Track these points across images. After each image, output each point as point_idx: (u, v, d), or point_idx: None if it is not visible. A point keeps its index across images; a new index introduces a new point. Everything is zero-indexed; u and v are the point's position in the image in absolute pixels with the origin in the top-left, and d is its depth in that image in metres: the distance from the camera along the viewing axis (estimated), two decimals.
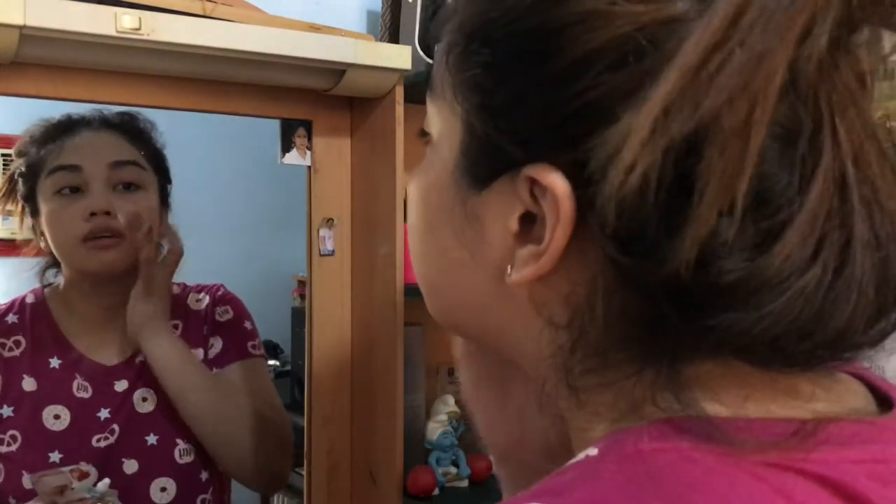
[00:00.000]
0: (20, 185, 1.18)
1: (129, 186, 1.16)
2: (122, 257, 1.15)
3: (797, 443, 0.33)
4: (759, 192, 0.33)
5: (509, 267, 0.39)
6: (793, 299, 0.33)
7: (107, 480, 1.07)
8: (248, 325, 1.28)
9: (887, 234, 0.34)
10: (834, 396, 0.38)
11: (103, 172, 1.14)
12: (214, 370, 1.22)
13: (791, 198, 0.33)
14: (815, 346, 0.34)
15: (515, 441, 0.52)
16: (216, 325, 1.25)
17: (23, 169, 1.17)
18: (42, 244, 1.18)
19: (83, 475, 1.04)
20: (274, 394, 1.26)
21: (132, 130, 1.21)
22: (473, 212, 0.40)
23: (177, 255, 1.18)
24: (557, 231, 0.36)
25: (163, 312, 1.15)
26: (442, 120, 0.43)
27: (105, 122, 1.20)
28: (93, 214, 1.12)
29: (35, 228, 1.19)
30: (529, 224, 0.38)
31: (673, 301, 0.34)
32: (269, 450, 1.17)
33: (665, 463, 0.33)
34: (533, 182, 0.37)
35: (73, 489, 1.02)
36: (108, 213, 1.13)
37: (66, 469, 1.05)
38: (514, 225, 0.38)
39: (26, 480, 1.08)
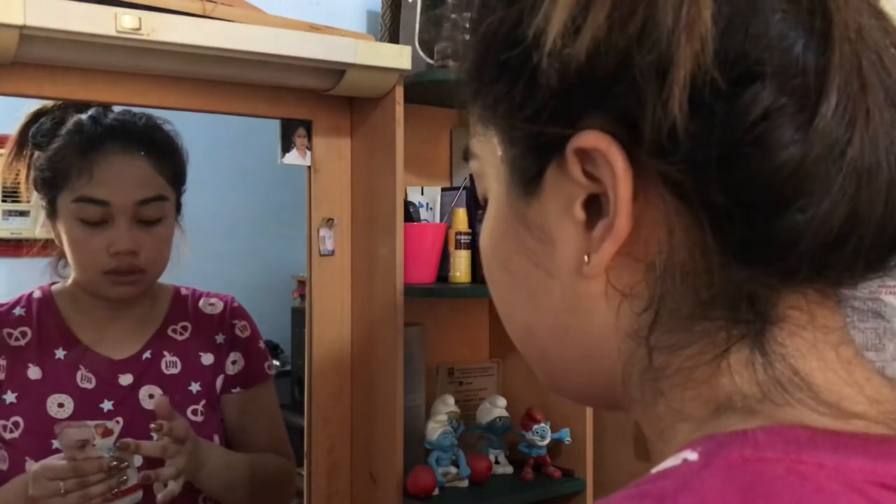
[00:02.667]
0: (40, 182, 1.17)
1: (148, 220, 1.16)
2: (140, 289, 1.19)
3: None
4: (780, 57, 0.33)
5: (586, 257, 0.38)
6: (849, 172, 0.33)
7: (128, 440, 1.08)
8: (262, 343, 1.31)
9: None
10: None
11: (130, 209, 1.14)
12: (237, 388, 1.27)
13: (814, 60, 0.33)
14: (876, 234, 0.34)
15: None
16: (236, 339, 1.28)
17: (45, 170, 1.15)
18: (58, 244, 1.19)
19: (107, 432, 1.05)
20: (281, 418, 1.33)
21: (158, 151, 1.18)
22: (535, 223, 0.40)
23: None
24: (619, 186, 0.36)
25: (198, 453, 1.14)
26: (485, 158, 0.44)
27: (134, 140, 1.16)
28: (117, 253, 1.13)
29: (48, 223, 1.18)
30: (594, 208, 0.38)
31: (744, 203, 0.34)
32: (274, 492, 1.27)
33: (773, 476, 0.31)
34: (582, 155, 0.37)
35: (94, 445, 1.03)
36: (132, 253, 1.14)
37: (92, 424, 1.05)
38: (580, 214, 0.38)
39: (30, 466, 1.09)
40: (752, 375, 0.36)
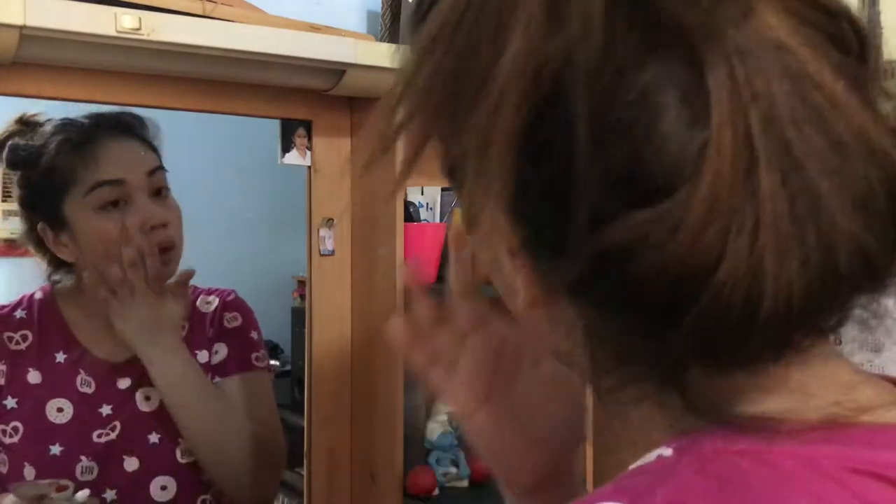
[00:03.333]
0: (32, 202, 1.16)
1: (160, 192, 1.16)
2: (176, 267, 1.18)
3: (867, 446, 0.33)
4: (634, 163, 0.31)
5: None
6: (718, 291, 0.31)
7: (86, 491, 1.07)
8: (254, 335, 1.27)
9: (808, 211, 0.31)
10: (878, 391, 0.37)
11: (143, 183, 1.14)
12: (216, 378, 1.22)
13: (688, 166, 0.31)
14: (767, 333, 0.32)
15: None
16: (223, 330, 1.25)
17: (40, 183, 1.14)
18: (69, 257, 1.15)
19: (61, 488, 1.04)
20: (273, 410, 1.25)
21: (142, 132, 1.20)
22: (486, 243, 0.41)
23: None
24: (520, 275, 0.38)
25: (170, 321, 1.13)
26: None
27: (115, 125, 1.18)
28: (153, 228, 1.13)
29: (50, 240, 1.15)
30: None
31: (628, 315, 0.34)
32: (258, 472, 1.17)
33: (747, 466, 0.32)
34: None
35: (51, 499, 1.03)
36: (165, 225, 1.14)
37: (45, 482, 1.05)
38: (506, 257, 0.39)
39: (28, 472, 1.08)
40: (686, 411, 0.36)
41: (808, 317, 0.33)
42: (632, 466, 0.35)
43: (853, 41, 0.34)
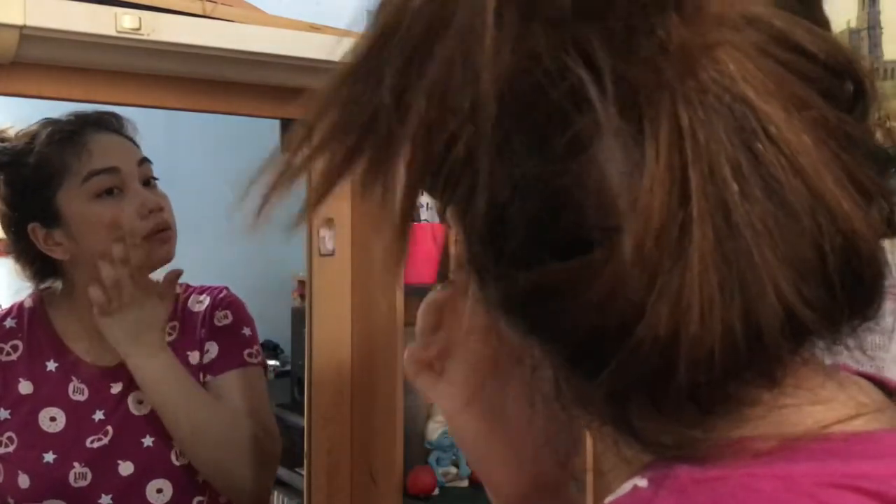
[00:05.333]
0: (22, 200, 1.15)
1: (149, 181, 1.17)
2: (173, 249, 1.18)
3: (843, 457, 0.32)
4: (552, 215, 0.31)
5: None
6: (635, 349, 0.30)
7: None
8: (247, 331, 1.24)
9: (738, 280, 0.29)
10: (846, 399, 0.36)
11: (135, 171, 1.15)
12: (208, 377, 1.20)
13: (614, 222, 0.30)
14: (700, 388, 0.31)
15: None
16: (213, 329, 1.22)
17: (26, 181, 1.14)
18: (62, 255, 1.14)
19: None
20: (266, 407, 1.23)
21: (121, 128, 1.21)
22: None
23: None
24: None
25: (154, 321, 1.13)
26: None
27: (101, 123, 1.18)
28: (151, 212, 1.14)
29: (42, 239, 1.14)
30: None
31: (557, 348, 0.34)
32: (251, 468, 1.15)
33: (727, 493, 0.31)
34: None
35: None
36: (161, 209, 1.15)
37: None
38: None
39: (23, 480, 1.08)
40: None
41: (736, 377, 0.32)
42: (608, 500, 0.34)
43: (843, 89, 0.32)
